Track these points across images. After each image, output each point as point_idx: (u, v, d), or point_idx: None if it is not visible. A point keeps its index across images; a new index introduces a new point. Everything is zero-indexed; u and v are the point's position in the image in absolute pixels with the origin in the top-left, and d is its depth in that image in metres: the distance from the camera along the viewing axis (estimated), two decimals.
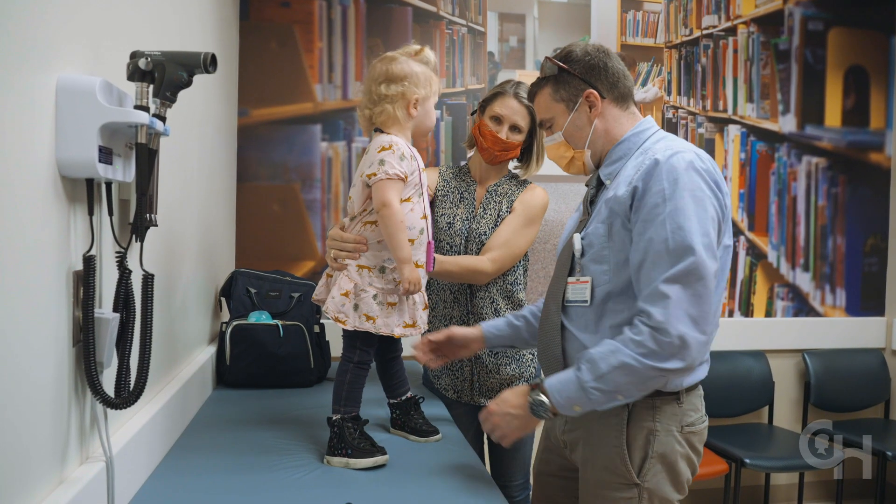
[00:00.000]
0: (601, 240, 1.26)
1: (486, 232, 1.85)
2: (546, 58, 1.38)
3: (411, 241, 1.43)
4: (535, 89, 1.41)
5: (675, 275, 1.14)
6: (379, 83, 1.46)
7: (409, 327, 1.45)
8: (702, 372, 1.29)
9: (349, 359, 1.45)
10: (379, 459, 1.35)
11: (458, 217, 1.88)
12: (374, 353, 1.52)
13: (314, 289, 2.18)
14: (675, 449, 1.25)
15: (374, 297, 1.41)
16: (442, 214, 1.89)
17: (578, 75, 1.34)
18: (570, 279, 1.30)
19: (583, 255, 1.29)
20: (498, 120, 1.83)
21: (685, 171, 1.18)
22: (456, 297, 1.86)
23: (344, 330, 1.44)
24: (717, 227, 1.21)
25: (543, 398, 1.21)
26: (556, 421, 1.40)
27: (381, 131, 1.46)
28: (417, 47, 1.51)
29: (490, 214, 1.87)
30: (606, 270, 1.25)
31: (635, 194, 1.21)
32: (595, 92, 1.33)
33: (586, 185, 1.42)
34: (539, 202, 1.89)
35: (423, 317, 1.49)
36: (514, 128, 1.83)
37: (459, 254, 1.85)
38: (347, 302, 1.41)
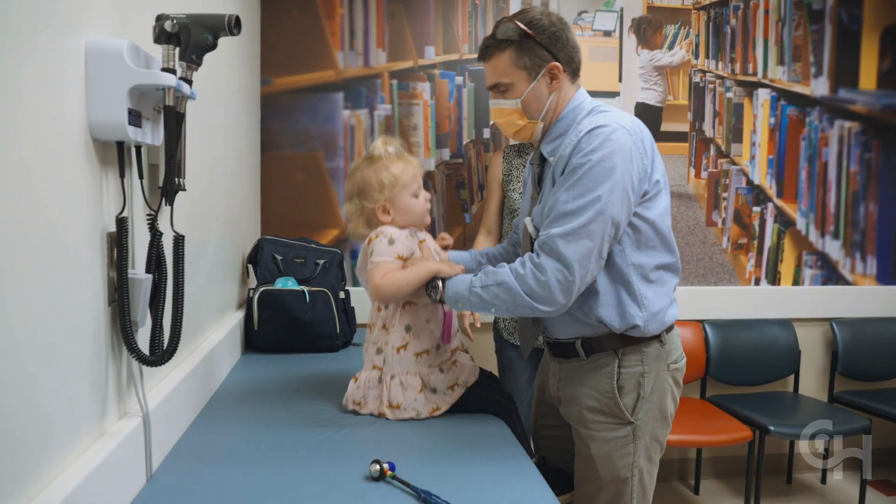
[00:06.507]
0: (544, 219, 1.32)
1: None
2: (508, 19, 1.34)
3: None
4: (493, 51, 1.35)
5: (566, 232, 1.23)
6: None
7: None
8: (675, 311, 1.37)
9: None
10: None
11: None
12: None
13: (339, 256, 2.21)
14: (663, 387, 1.36)
15: (440, 370, 1.44)
16: (514, 199, 1.96)
17: (543, 45, 1.32)
18: None
19: (538, 235, 1.33)
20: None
21: (603, 145, 1.24)
22: None
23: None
24: (637, 184, 1.27)
25: (439, 284, 1.34)
26: (550, 379, 1.49)
27: None
28: (374, 144, 1.42)
29: None
30: None
31: (566, 167, 1.28)
32: (558, 65, 1.33)
33: (531, 164, 1.46)
34: None
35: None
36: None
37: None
38: (419, 396, 1.41)
